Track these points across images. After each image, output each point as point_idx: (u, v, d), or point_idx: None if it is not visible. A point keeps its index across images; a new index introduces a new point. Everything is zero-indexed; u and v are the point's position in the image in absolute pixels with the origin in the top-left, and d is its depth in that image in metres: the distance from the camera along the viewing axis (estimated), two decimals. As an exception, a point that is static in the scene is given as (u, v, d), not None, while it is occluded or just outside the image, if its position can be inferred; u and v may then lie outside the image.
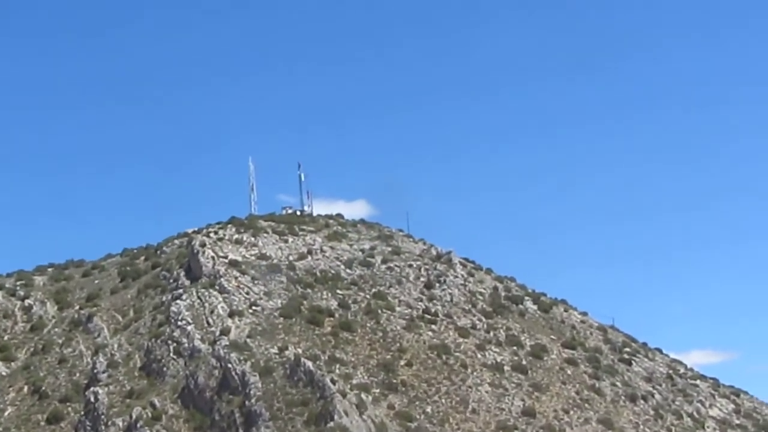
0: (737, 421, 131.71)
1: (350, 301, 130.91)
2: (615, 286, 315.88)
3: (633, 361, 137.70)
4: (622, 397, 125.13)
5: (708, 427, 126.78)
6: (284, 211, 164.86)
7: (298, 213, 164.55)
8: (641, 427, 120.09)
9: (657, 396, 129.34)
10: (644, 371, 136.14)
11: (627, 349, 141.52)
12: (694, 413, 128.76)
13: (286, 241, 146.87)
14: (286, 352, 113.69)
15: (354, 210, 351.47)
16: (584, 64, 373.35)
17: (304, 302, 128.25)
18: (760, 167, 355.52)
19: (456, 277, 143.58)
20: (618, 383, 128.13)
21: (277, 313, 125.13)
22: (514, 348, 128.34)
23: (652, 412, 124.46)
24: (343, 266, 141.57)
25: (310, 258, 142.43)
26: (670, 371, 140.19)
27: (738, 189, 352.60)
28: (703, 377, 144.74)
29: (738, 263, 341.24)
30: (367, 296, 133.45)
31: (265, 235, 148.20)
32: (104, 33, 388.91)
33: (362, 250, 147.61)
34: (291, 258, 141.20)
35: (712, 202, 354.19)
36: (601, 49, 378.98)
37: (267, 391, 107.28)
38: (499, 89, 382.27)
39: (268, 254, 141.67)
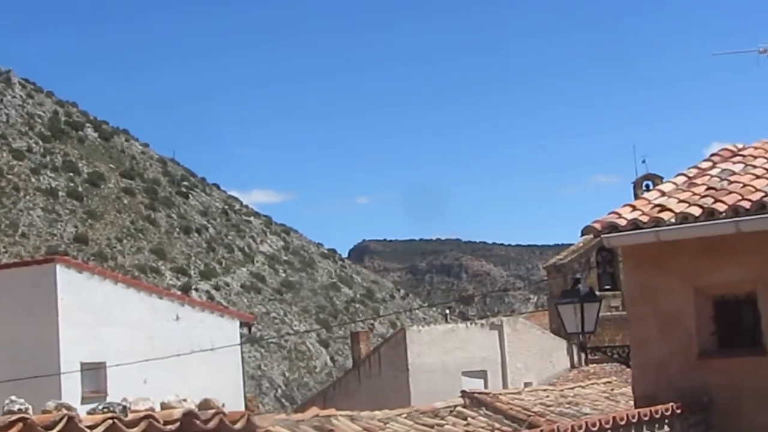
0: (285, 258, 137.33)
1: None
2: (179, 120, 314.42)
3: (190, 195, 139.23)
4: (177, 229, 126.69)
5: (257, 261, 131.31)
6: None
7: None
8: (193, 258, 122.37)
9: (211, 230, 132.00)
10: (200, 205, 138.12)
11: (185, 183, 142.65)
12: (246, 248, 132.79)
13: None
14: None
15: None
16: None
17: None
18: None
19: (14, 97, 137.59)
20: (173, 215, 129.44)
21: None
22: (71, 174, 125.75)
23: (204, 245, 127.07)
24: None
25: None
26: (226, 207, 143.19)
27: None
28: (257, 214, 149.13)
29: (306, 102, 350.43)
30: None
31: None
32: None
33: None
34: None
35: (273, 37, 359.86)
36: None
37: None
38: None
39: None
